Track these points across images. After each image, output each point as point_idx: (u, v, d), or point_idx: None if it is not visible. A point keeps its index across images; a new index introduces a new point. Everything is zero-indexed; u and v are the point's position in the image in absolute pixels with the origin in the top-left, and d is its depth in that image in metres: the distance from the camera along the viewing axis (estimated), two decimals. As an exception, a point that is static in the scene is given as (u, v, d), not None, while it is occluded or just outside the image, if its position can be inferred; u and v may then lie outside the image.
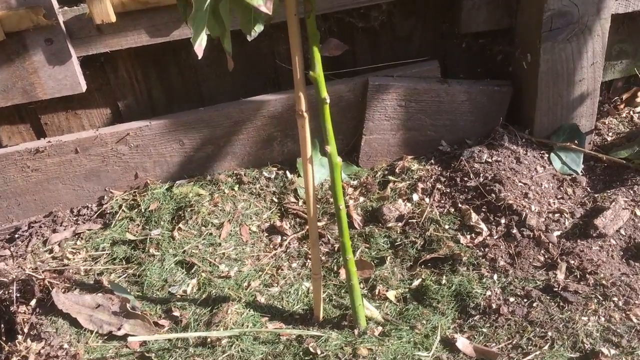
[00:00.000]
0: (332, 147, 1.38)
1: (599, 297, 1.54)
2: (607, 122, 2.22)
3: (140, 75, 2.03)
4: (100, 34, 1.83)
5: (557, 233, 1.73)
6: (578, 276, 1.60)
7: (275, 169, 2.09)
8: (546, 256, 1.68)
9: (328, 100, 1.34)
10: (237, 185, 2.05)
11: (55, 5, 1.75)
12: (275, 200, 2.02)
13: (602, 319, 1.49)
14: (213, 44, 1.96)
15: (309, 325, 1.62)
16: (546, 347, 1.44)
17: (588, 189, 1.92)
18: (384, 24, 2.05)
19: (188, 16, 1.31)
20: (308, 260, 1.84)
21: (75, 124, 2.06)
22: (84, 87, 1.90)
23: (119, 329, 1.64)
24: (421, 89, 2.00)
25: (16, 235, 2.02)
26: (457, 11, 2.02)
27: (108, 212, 2.02)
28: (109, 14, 1.74)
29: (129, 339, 1.57)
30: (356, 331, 1.56)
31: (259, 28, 1.34)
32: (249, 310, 1.66)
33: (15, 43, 1.77)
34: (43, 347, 1.60)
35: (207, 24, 1.20)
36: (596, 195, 1.85)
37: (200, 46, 1.18)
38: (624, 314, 1.49)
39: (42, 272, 1.80)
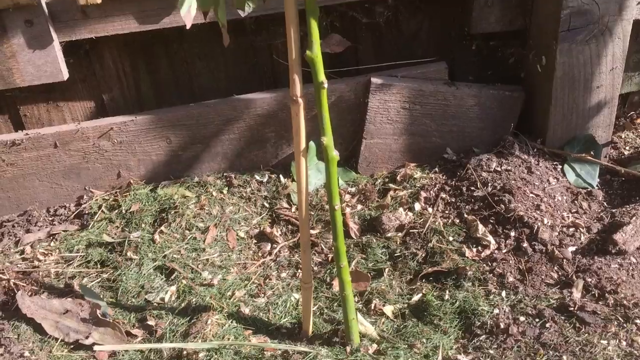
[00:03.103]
0: (328, 139, 1.24)
1: (620, 318, 1.38)
2: (623, 136, 2.09)
3: (128, 67, 1.91)
4: (85, 17, 1.70)
5: (572, 248, 1.58)
6: (596, 295, 1.45)
7: (268, 172, 1.95)
8: (560, 273, 1.53)
9: (326, 85, 1.20)
10: (227, 188, 1.90)
11: (37, -17, 1.63)
12: (267, 205, 1.87)
13: (624, 342, 1.33)
14: (206, 36, 1.84)
15: (297, 341, 1.47)
16: (561, 373, 1.28)
17: (605, 203, 1.78)
18: (389, 20, 1.93)
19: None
20: (299, 271, 1.69)
21: (57, 117, 1.93)
22: (65, 75, 1.77)
23: (87, 337, 1.48)
24: (427, 91, 1.87)
25: (-13, 234, 1.88)
26: (467, 10, 1.89)
27: (86, 212, 1.88)
28: (94, -5, 1.62)
29: (96, 348, 1.42)
30: (348, 348, 1.40)
31: (253, 3, 1.22)
32: (231, 322, 1.50)
33: (-8, 24, 1.65)
34: (2, 354, 1.45)
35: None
36: (614, 210, 1.71)
37: (189, 13, 1.06)
38: (648, 338, 1.34)
39: (9, 273, 1.65)
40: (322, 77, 1.19)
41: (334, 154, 1.25)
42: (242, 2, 1.19)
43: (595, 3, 1.66)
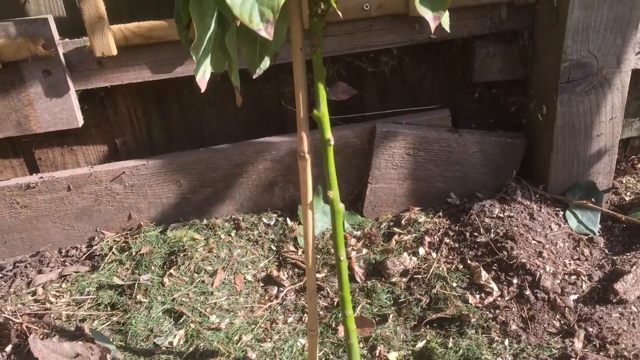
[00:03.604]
0: (334, 192, 1.28)
1: (621, 369, 1.41)
2: (624, 181, 2.12)
3: (141, 112, 1.96)
4: (100, 67, 1.77)
5: (574, 297, 1.61)
6: (597, 345, 1.47)
7: (275, 215, 2.00)
8: (562, 322, 1.55)
9: (332, 142, 1.24)
10: (235, 231, 1.94)
11: (56, 36, 1.69)
12: (274, 248, 1.91)
13: (625, 394, 1.35)
14: (216, 83, 1.90)
15: (303, 387, 1.49)
16: None
17: (606, 250, 1.80)
18: (394, 69, 1.99)
19: (189, 47, 1.25)
20: (305, 315, 1.71)
21: (71, 160, 1.98)
22: (80, 122, 1.83)
23: (97, 381, 1.51)
24: (431, 137, 1.91)
25: (0, 275, 1.91)
26: (470, 59, 1.95)
27: (97, 253, 1.92)
28: (111, 47, 1.69)
29: (106, 393, 1.45)
30: (353, 396, 1.42)
31: (264, 65, 1.27)
32: (238, 367, 1.53)
33: (12, 73, 1.71)
34: (13, 398, 1.48)
35: (212, 58, 1.13)
36: (615, 258, 1.73)
37: (203, 78, 1.10)
38: (649, 391, 1.36)
39: (21, 315, 1.68)
40: (328, 134, 1.24)
41: (340, 207, 1.29)
42: (254, 65, 1.25)
43: (594, 56, 1.72)
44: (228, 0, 0.84)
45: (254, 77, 1.24)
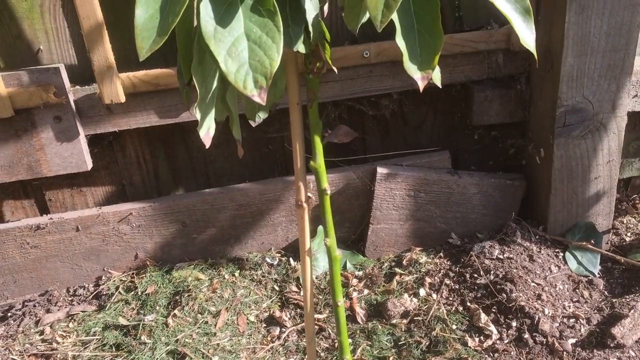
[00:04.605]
0: (331, 240, 1.31)
1: (618, 416, 1.41)
2: (625, 221, 2.14)
3: (148, 155, 2.02)
4: (109, 113, 1.83)
5: (572, 341, 1.62)
6: (594, 391, 1.48)
7: (279, 255, 2.03)
8: (560, 365, 1.56)
9: (329, 192, 1.29)
10: (238, 271, 1.98)
11: (67, 84, 1.76)
12: (277, 288, 1.94)
13: None
14: (221, 127, 1.95)
15: None
16: None
17: (605, 292, 1.82)
18: (394, 112, 2.04)
19: (190, 101, 1.30)
20: (306, 356, 1.73)
21: (80, 201, 2.03)
22: (89, 165, 1.88)
23: (100, 423, 1.53)
24: (431, 179, 1.95)
25: (9, 314, 1.96)
26: (469, 103, 2.00)
27: (104, 293, 1.96)
28: (119, 94, 1.75)
29: None
30: None
31: (262, 115, 1.32)
32: (239, 410, 1.55)
33: (24, 120, 1.77)
34: None
35: (215, 109, 1.17)
36: (614, 300, 1.75)
37: (208, 135, 1.14)
38: None
39: (28, 356, 1.72)
40: (325, 185, 1.28)
41: (337, 254, 1.33)
42: (253, 114, 1.30)
43: (589, 102, 1.75)
44: (224, 68, 0.89)
45: (254, 125, 1.29)
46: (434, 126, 2.09)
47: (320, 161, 1.27)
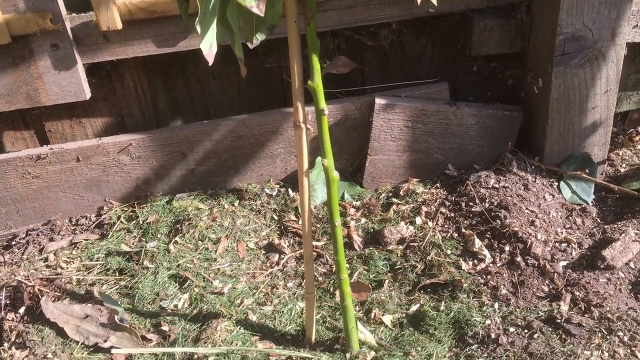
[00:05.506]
0: (329, 161, 1.34)
1: (604, 331, 1.46)
2: (621, 154, 2.16)
3: (146, 86, 2.02)
4: (106, 41, 1.82)
5: (563, 263, 1.66)
6: (582, 308, 1.53)
7: (278, 186, 2.06)
8: (551, 286, 1.61)
9: (326, 112, 1.30)
10: (238, 201, 2.01)
11: (63, 10, 1.75)
12: (276, 217, 1.97)
13: (606, 354, 1.41)
14: (220, 57, 1.95)
15: (300, 347, 1.56)
16: (546, 381, 1.36)
17: (598, 219, 1.85)
18: (393, 43, 2.03)
19: (189, 21, 1.30)
20: (304, 281, 1.78)
21: (79, 133, 2.05)
22: (88, 94, 1.89)
23: (105, 341, 1.59)
24: (429, 110, 1.96)
25: (13, 243, 2.00)
26: (468, 33, 1.98)
27: (106, 222, 1.99)
28: (115, 21, 1.74)
29: (114, 351, 1.53)
30: (348, 355, 1.50)
31: (260, 36, 1.32)
32: (239, 328, 1.60)
33: (22, 47, 1.77)
34: (27, 356, 1.56)
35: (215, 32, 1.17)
36: (606, 227, 1.78)
37: (210, 51, 1.14)
38: (628, 350, 1.41)
39: (34, 279, 1.77)
40: (322, 104, 1.29)
41: (334, 175, 1.35)
42: (250, 36, 1.30)
43: (588, 29, 1.74)
44: (221, -23, 0.89)
45: (251, 47, 1.29)
46: (433, 58, 2.08)
47: (318, 80, 1.28)
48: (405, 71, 2.09)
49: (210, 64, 1.11)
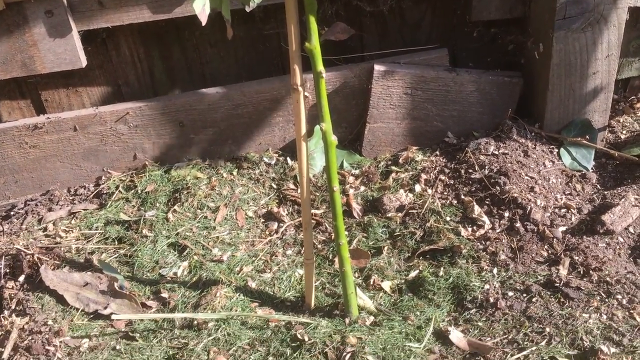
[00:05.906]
0: (327, 125, 1.32)
1: (602, 294, 1.47)
2: (621, 120, 2.14)
3: (143, 54, 2.00)
4: (101, 7, 1.79)
5: (563, 228, 1.66)
6: (581, 272, 1.53)
7: (276, 155, 2.05)
8: (550, 251, 1.61)
9: (324, 74, 1.28)
10: (236, 170, 2.00)
11: (56, -24, 1.72)
12: (274, 186, 1.97)
13: (604, 316, 1.41)
14: (217, 24, 1.93)
15: (300, 313, 1.57)
16: (543, 343, 1.36)
17: (598, 185, 1.84)
18: (392, 9, 2.00)
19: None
20: (303, 248, 1.78)
21: (76, 102, 2.03)
22: (84, 62, 1.87)
23: (105, 307, 1.60)
24: (428, 77, 1.94)
25: (12, 213, 2.00)
26: (468, -2, 1.96)
27: (105, 192, 1.99)
28: (110, -14, 1.71)
29: (114, 317, 1.54)
30: (347, 320, 1.50)
31: (256, -1, 1.30)
32: (239, 295, 1.61)
33: (15, 14, 1.74)
34: (27, 323, 1.57)
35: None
36: (606, 192, 1.78)
37: (203, 11, 1.13)
38: (627, 313, 1.42)
39: (33, 248, 1.77)
40: (320, 67, 1.27)
41: (332, 139, 1.34)
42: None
43: (590, -8, 1.72)
44: None
45: (248, 10, 1.27)
46: (432, 24, 2.06)
47: (315, 42, 1.26)
48: (405, 37, 2.06)
49: (203, 24, 1.10)
